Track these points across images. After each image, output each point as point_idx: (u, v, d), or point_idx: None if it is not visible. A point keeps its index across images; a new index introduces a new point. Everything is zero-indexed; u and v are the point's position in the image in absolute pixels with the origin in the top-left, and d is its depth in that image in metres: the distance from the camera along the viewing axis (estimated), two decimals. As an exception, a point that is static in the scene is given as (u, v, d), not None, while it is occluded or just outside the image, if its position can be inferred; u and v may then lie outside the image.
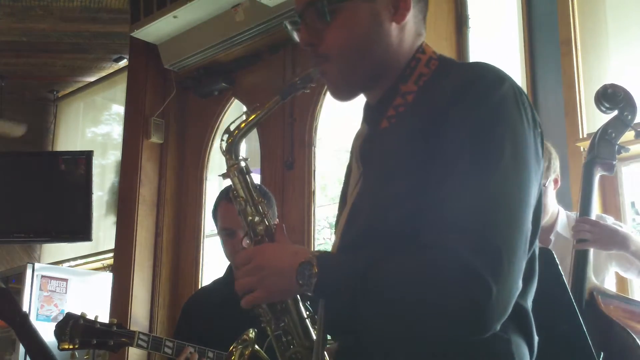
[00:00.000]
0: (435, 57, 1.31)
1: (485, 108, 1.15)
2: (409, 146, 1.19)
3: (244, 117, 1.44)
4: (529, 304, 1.21)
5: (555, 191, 2.51)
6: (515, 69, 3.26)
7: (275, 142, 4.12)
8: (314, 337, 1.34)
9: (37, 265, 4.81)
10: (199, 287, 4.29)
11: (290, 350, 1.36)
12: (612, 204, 2.92)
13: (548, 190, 2.45)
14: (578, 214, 2.36)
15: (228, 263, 2.65)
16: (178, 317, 2.86)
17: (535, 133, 1.19)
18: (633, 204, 3.04)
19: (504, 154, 1.12)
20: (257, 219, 1.39)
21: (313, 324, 1.35)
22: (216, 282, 2.79)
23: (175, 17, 4.16)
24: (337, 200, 1.47)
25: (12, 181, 5.20)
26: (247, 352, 1.63)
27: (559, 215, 2.52)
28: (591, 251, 2.29)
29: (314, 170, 3.93)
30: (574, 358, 1.70)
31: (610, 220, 2.42)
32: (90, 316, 2.42)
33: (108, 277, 4.84)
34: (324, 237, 4.78)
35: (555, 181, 2.49)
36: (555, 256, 1.71)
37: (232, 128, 1.44)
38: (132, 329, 2.61)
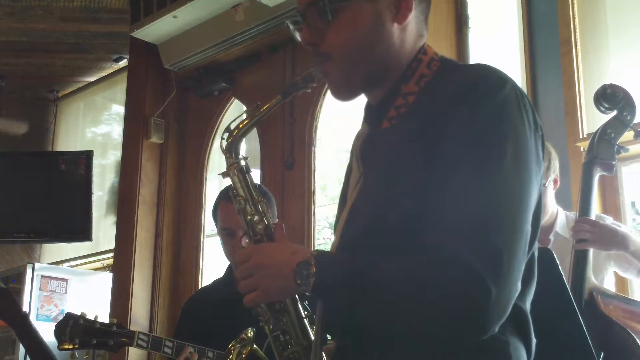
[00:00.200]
0: (436, 58, 1.31)
1: (487, 110, 1.15)
2: (410, 147, 1.19)
3: (244, 116, 1.44)
4: (528, 305, 1.21)
5: (555, 191, 2.51)
6: (515, 69, 3.26)
7: (275, 142, 4.12)
8: (312, 336, 1.34)
9: (37, 265, 4.81)
10: (199, 287, 4.29)
11: (288, 349, 1.36)
12: (612, 204, 2.92)
13: (547, 190, 2.45)
14: (577, 214, 2.36)
15: (228, 263, 2.65)
16: (178, 317, 2.86)
17: (536, 135, 1.20)
18: (633, 204, 3.04)
19: (505, 156, 1.12)
20: (256, 218, 1.38)
21: (311, 323, 1.35)
22: (216, 282, 2.78)
23: (175, 17, 4.17)
24: (337, 200, 1.47)
25: (12, 181, 5.19)
26: (245, 351, 1.63)
27: (558, 215, 2.52)
28: (591, 251, 2.29)
29: (314, 170, 3.93)
30: (573, 358, 1.70)
31: (609, 220, 2.42)
32: (90, 316, 2.42)
33: (108, 277, 4.84)
34: (324, 237, 4.78)
35: (555, 181, 2.50)
36: (555, 256, 1.71)
37: (232, 127, 1.43)
38: (132, 329, 2.61)
